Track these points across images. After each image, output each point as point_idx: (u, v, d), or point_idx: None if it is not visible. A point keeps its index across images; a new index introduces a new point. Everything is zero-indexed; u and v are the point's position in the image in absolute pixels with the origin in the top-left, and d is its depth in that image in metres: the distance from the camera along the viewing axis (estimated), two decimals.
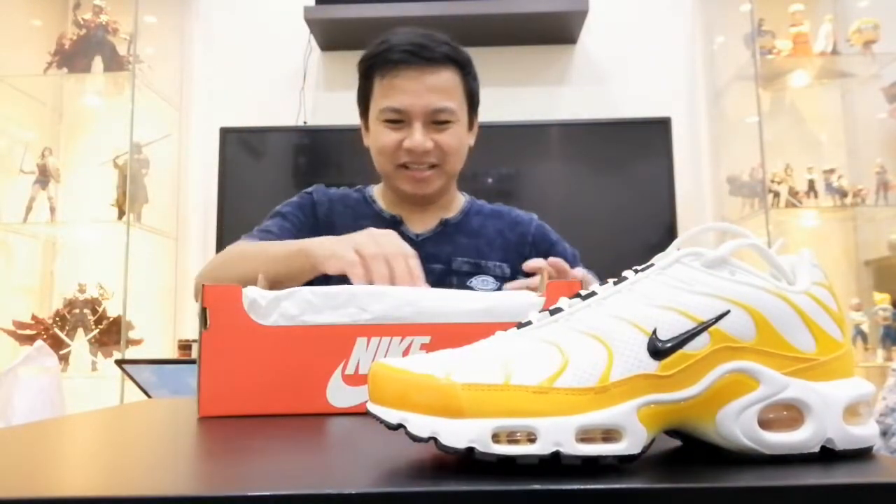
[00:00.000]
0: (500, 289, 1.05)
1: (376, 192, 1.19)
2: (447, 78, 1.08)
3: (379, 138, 1.09)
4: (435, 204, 1.16)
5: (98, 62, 2.23)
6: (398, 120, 1.07)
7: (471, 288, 1.08)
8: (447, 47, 1.08)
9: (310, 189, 1.18)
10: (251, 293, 0.61)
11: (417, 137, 1.06)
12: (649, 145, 2.17)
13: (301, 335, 0.61)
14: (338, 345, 0.60)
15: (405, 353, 0.60)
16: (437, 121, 1.07)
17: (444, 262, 1.11)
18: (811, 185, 2.16)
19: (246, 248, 1.01)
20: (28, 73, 2.24)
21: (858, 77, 2.26)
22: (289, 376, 0.60)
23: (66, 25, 2.39)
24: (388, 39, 1.08)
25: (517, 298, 0.63)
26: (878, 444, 0.76)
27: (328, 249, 0.84)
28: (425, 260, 0.86)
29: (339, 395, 0.60)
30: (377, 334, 0.61)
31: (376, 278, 0.77)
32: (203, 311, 0.60)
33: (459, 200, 1.21)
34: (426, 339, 0.60)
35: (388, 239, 0.82)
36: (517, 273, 0.98)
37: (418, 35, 1.07)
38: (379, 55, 1.08)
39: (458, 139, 1.10)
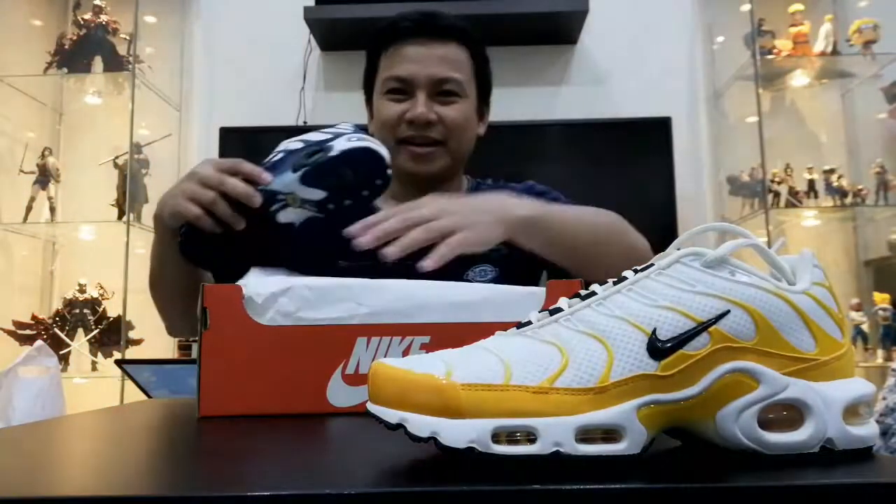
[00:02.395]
0: (498, 276, 0.99)
1: None
2: (455, 52, 1.04)
3: (381, 112, 1.04)
4: (437, 189, 1.01)
5: (98, 62, 2.23)
6: (401, 90, 1.03)
7: (467, 280, 1.00)
8: (458, 23, 1.06)
9: None
10: (247, 291, 0.61)
11: (420, 108, 1.00)
12: (649, 145, 2.16)
13: (301, 335, 0.61)
14: (338, 345, 0.60)
15: (405, 353, 0.60)
16: (442, 92, 1.03)
17: None
18: (811, 185, 2.16)
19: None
20: (28, 73, 2.23)
21: (858, 77, 2.25)
22: (289, 376, 0.60)
23: (66, 25, 2.39)
24: (400, 14, 1.06)
25: (514, 291, 0.64)
26: (878, 444, 0.76)
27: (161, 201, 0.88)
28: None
29: (339, 394, 0.60)
30: (377, 334, 0.61)
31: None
32: (203, 310, 0.60)
33: (464, 188, 1.13)
34: (426, 339, 0.61)
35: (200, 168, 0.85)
36: (514, 248, 0.85)
37: (429, 9, 1.05)
38: (387, 26, 1.05)
39: (465, 116, 1.04)
